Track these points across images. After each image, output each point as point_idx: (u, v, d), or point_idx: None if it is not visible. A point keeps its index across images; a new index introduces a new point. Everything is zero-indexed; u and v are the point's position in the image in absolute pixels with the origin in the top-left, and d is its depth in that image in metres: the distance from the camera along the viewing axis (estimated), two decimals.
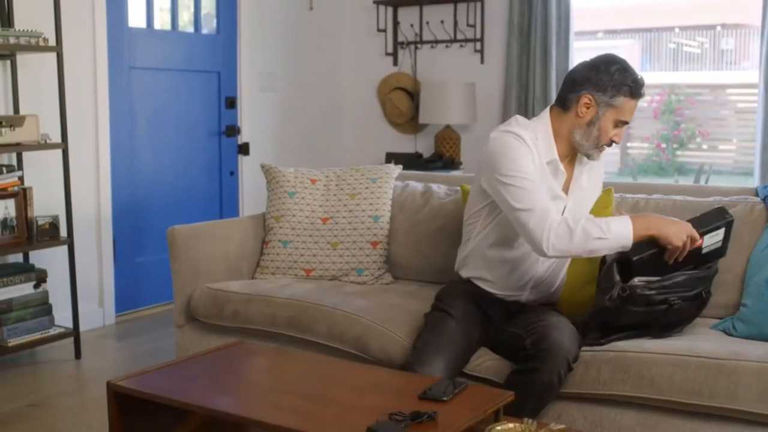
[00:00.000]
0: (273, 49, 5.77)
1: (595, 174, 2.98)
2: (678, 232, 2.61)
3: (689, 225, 2.64)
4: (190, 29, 5.38)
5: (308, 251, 3.59)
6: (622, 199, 3.29)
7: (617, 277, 2.64)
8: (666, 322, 2.73)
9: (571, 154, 2.85)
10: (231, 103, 5.53)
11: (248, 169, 5.57)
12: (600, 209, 3.06)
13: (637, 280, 2.64)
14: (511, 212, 2.66)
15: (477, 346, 2.83)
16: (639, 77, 2.73)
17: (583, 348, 2.68)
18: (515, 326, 2.78)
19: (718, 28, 7.96)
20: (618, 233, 2.57)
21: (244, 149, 5.59)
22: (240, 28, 5.53)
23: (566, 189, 2.86)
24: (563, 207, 2.78)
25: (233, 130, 5.54)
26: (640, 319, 2.69)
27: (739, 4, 5.79)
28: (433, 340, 2.73)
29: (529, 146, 2.72)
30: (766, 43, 4.63)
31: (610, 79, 2.69)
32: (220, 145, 5.51)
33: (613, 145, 2.85)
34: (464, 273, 3.00)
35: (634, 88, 2.70)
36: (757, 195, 3.19)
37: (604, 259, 2.77)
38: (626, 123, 2.76)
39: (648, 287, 2.65)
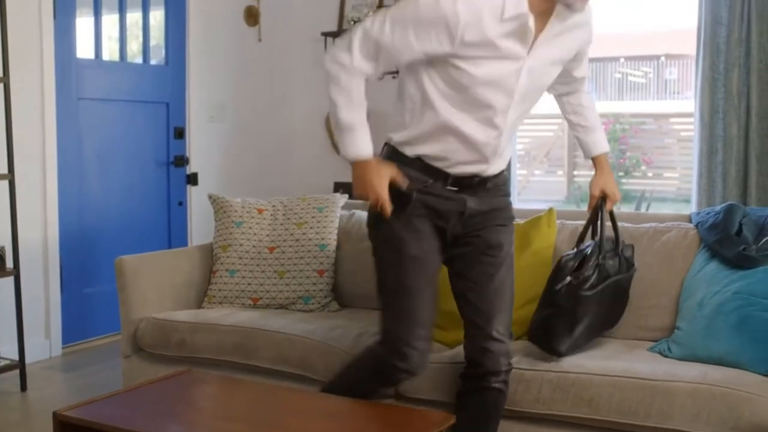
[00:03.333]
0: (222, 80, 5.81)
1: (573, 38, 2.53)
2: (361, 184, 2.53)
3: (380, 185, 2.49)
4: (139, 60, 5.40)
5: (255, 280, 3.62)
6: (563, 225, 3.38)
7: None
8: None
9: (547, 8, 2.39)
10: (179, 133, 5.54)
11: (197, 199, 5.59)
12: (544, 229, 3.17)
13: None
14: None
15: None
16: None
17: (525, 367, 2.76)
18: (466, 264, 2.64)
19: (662, 58, 8.16)
20: (345, 139, 2.51)
21: (192, 179, 5.61)
22: (189, 59, 5.56)
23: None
24: (519, 69, 2.41)
25: (182, 161, 5.55)
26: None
27: (682, 35, 5.96)
28: (408, 311, 2.55)
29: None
30: (701, 73, 4.78)
31: None
32: (168, 176, 5.52)
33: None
34: (410, 151, 2.59)
35: None
36: (690, 221, 3.30)
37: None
38: None
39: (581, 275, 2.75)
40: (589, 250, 2.81)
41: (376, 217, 2.60)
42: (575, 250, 2.88)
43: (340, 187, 5.87)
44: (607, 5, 5.76)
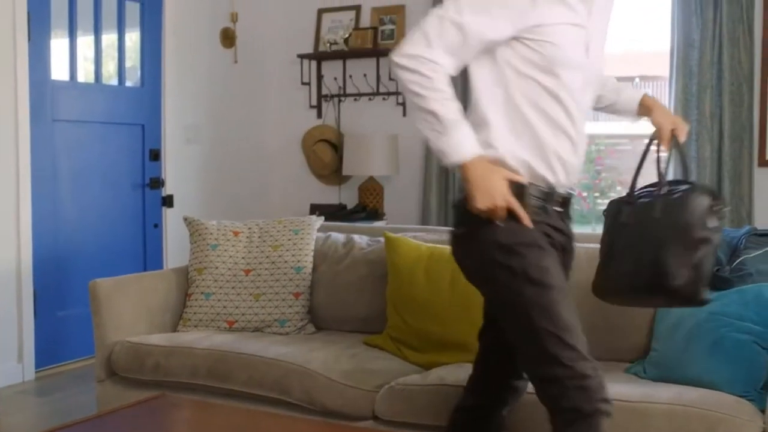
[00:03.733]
0: (198, 102, 5.79)
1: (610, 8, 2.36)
2: (486, 190, 2.11)
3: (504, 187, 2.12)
4: (114, 82, 5.38)
5: (231, 303, 3.61)
6: None
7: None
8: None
9: None
10: (155, 155, 5.52)
11: (172, 221, 5.56)
12: None
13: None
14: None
15: None
16: None
17: None
18: None
19: (637, 79, 8.24)
20: (452, 137, 2.12)
21: (168, 201, 5.58)
22: (164, 81, 5.55)
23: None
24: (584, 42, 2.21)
25: (157, 183, 5.53)
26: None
27: (655, 56, 6.01)
28: (578, 350, 2.11)
29: None
30: (674, 95, 4.83)
31: None
32: (144, 198, 5.49)
33: None
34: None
35: None
36: None
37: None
38: None
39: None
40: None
41: (499, 246, 2.15)
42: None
43: (316, 209, 5.87)
44: None
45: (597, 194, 9.22)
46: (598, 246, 2.86)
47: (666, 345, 2.88)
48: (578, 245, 3.36)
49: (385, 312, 3.45)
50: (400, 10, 5.83)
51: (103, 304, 3.48)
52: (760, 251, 2.98)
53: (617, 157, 8.86)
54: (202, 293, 3.64)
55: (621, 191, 9.03)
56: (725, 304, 2.76)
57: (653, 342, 2.98)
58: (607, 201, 8.88)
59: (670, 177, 4.11)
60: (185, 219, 3.86)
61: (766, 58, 4.74)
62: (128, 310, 3.54)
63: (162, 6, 5.49)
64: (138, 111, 5.42)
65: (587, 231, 7.16)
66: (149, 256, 5.52)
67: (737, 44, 4.67)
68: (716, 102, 4.75)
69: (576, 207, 8.64)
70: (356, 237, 3.86)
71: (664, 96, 5.99)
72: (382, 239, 3.65)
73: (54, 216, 4.95)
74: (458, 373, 2.90)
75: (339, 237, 3.87)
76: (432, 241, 3.60)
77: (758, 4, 4.72)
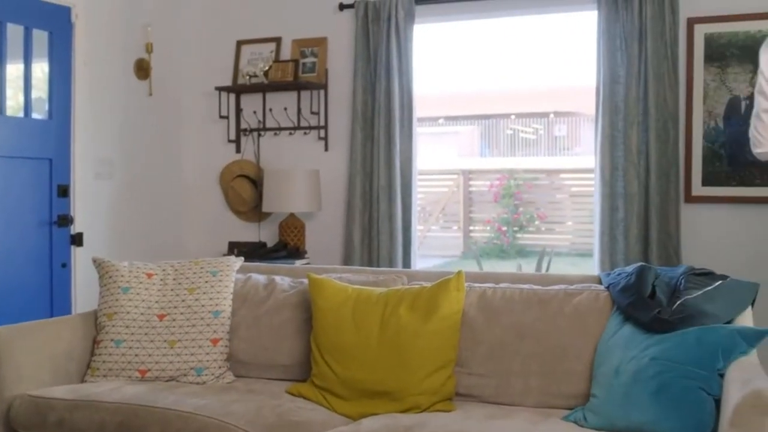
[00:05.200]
0: (110, 135, 5.55)
1: None
2: None
3: None
4: (20, 114, 5.10)
5: (143, 351, 3.37)
6: (470, 288, 3.26)
7: None
8: None
9: None
10: (63, 191, 5.24)
11: (82, 261, 5.27)
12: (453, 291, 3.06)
13: None
14: None
15: None
16: None
17: None
18: None
19: (551, 115, 8.28)
20: None
21: (77, 240, 5.29)
22: (74, 113, 5.28)
23: None
24: None
25: (66, 220, 5.24)
26: None
27: (570, 93, 6.02)
28: None
29: None
30: (601, 131, 4.78)
31: None
32: (51, 236, 5.19)
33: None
34: None
35: None
36: (600, 283, 3.21)
37: None
38: None
39: None
40: None
41: None
42: None
43: (234, 247, 5.67)
44: (496, 64, 5.79)
45: (516, 228, 9.23)
46: (525, 286, 2.82)
47: (607, 391, 2.76)
48: (511, 286, 3.27)
49: (310, 359, 3.29)
50: (321, 42, 5.70)
51: (2, 353, 3.21)
52: (700, 291, 2.88)
53: (535, 191, 8.89)
54: (111, 340, 3.39)
55: (539, 225, 9.07)
56: (668, 348, 2.64)
57: (593, 387, 2.86)
58: (526, 235, 8.92)
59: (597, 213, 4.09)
60: (94, 260, 3.62)
61: (690, 94, 4.74)
62: (30, 361, 3.27)
63: (72, 35, 5.24)
64: (45, 144, 5.14)
65: (512, 267, 7.11)
66: (57, 299, 5.21)
67: (662, 80, 4.66)
68: (642, 138, 4.72)
69: (496, 241, 8.65)
70: (278, 278, 3.69)
71: (585, 132, 5.98)
72: (305, 280, 3.50)
73: None
74: (389, 424, 2.75)
75: (260, 278, 3.70)
76: (359, 282, 3.46)
77: (682, 41, 4.73)
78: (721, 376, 2.52)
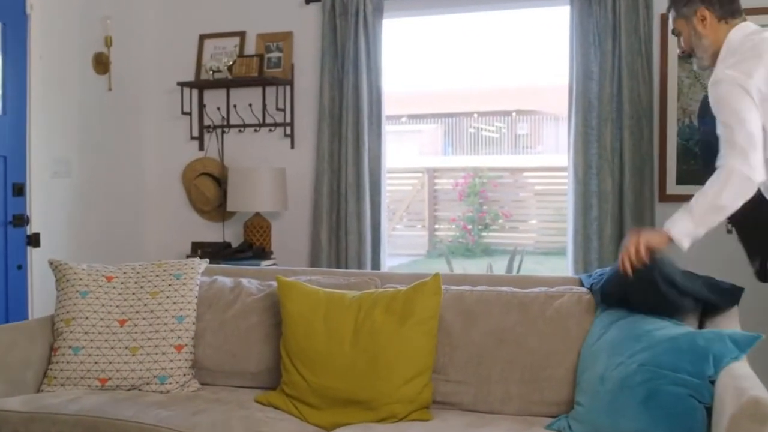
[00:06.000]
0: (68, 132, 5.37)
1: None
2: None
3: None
4: None
5: (103, 358, 3.22)
6: (447, 291, 3.15)
7: None
8: None
9: None
10: (19, 189, 5.06)
11: (38, 262, 5.08)
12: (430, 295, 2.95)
13: None
14: None
15: None
16: None
17: None
18: None
19: (514, 114, 8.24)
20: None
21: (33, 240, 5.11)
22: (30, 109, 5.09)
23: None
24: None
25: (21, 220, 5.06)
26: None
27: (533, 91, 5.94)
28: None
29: None
30: (574, 129, 4.69)
31: None
32: (6, 237, 5.00)
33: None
34: None
35: None
36: (581, 284, 3.11)
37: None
38: None
39: None
40: None
41: None
42: None
43: (198, 247, 5.51)
44: (461, 62, 5.70)
45: (481, 227, 9.18)
46: (504, 289, 2.77)
47: (592, 398, 2.65)
48: (489, 289, 3.15)
49: (280, 365, 3.17)
50: (287, 36, 5.56)
51: None
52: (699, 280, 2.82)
53: (500, 189, 8.85)
54: (70, 347, 3.24)
55: (504, 224, 9.03)
56: (657, 355, 2.54)
57: (577, 395, 2.76)
58: (492, 234, 8.85)
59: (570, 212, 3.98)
60: (51, 263, 3.47)
61: (664, 90, 4.68)
62: None
63: (27, 27, 5.05)
64: None
65: (478, 267, 7.02)
66: (12, 303, 5.02)
67: (636, 77, 4.59)
68: (616, 135, 4.64)
69: (462, 240, 8.57)
70: (245, 281, 3.56)
71: (548, 131, 5.89)
72: (273, 283, 3.37)
73: None
74: None
75: (226, 281, 3.56)
76: (330, 285, 3.33)
77: (656, 37, 4.66)
78: (712, 383, 2.42)
